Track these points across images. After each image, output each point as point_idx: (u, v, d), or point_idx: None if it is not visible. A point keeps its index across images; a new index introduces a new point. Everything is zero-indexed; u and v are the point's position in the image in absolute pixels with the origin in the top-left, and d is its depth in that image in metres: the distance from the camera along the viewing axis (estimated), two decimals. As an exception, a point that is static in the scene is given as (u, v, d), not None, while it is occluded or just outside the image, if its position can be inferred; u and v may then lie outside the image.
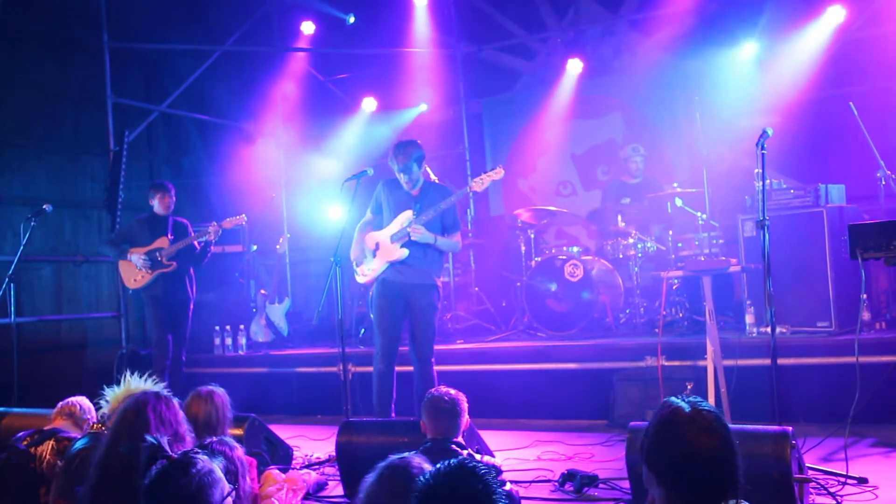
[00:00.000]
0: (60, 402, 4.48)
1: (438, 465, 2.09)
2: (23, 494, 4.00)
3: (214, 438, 3.31)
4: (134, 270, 7.14)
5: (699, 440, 2.12)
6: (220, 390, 4.22)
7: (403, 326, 5.73)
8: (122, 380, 4.20)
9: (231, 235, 8.89)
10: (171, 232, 7.18)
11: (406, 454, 2.54)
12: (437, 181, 6.26)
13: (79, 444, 3.75)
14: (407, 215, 5.58)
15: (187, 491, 2.30)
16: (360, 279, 5.84)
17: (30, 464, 4.01)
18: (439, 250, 5.69)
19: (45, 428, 4.24)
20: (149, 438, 2.46)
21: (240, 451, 3.25)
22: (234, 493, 2.49)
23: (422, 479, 2.07)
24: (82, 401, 4.47)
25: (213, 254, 7.39)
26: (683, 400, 2.21)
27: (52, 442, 4.05)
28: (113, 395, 4.05)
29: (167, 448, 2.41)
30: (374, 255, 5.70)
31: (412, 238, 5.50)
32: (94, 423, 4.26)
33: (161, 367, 6.97)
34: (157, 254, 7.09)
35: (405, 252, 5.56)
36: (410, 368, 5.79)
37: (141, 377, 4.16)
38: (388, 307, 5.63)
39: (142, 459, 2.42)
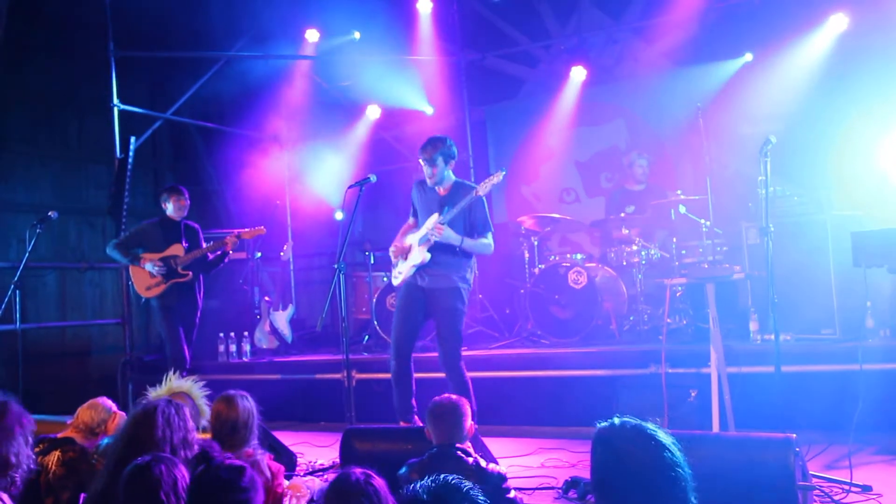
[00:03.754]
0: (81, 407, 4.45)
1: (427, 481, 2.10)
2: (27, 502, 4.00)
3: (250, 448, 3.32)
4: (147, 278, 6.92)
5: (643, 458, 2.12)
6: (249, 396, 4.23)
7: (419, 330, 5.74)
8: (165, 380, 4.26)
9: (236, 243, 8.92)
10: (184, 238, 7.00)
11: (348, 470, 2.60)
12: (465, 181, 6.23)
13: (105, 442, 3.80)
14: (434, 218, 5.57)
15: (235, 498, 2.31)
16: (395, 281, 5.87)
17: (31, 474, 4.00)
18: (466, 253, 5.62)
19: (60, 436, 4.25)
20: (201, 442, 2.49)
21: (268, 458, 3.27)
22: None
23: (410, 490, 2.09)
24: (99, 406, 4.42)
25: (224, 263, 7.28)
26: (610, 421, 2.21)
27: (58, 453, 4.05)
28: (155, 394, 4.10)
29: (217, 453, 2.42)
30: (406, 258, 5.72)
31: (432, 239, 5.48)
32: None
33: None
34: (172, 261, 6.90)
35: (427, 256, 5.55)
36: (432, 375, 5.79)
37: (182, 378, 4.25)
38: (405, 308, 5.64)
39: (189, 460, 2.42)
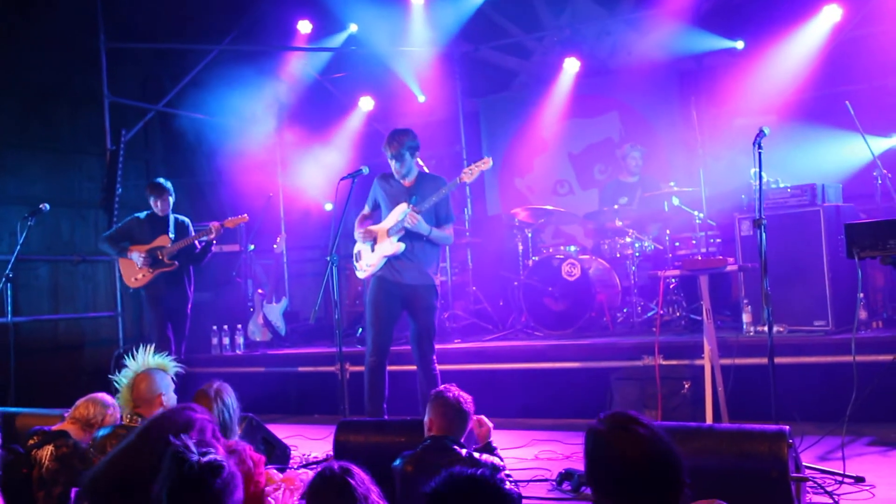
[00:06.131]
0: (80, 400, 4.42)
1: (453, 472, 2.09)
2: (18, 497, 4.00)
3: (232, 441, 3.25)
4: (134, 269, 7.08)
5: (625, 451, 2.14)
6: (227, 387, 4.18)
7: (397, 324, 5.75)
8: (140, 355, 4.18)
9: (228, 235, 8.88)
10: (172, 230, 7.13)
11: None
12: (429, 172, 6.25)
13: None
14: (402, 208, 5.58)
15: (211, 499, 2.25)
16: (360, 274, 5.83)
17: (23, 469, 4.00)
18: (434, 244, 5.68)
19: (54, 429, 4.24)
20: (175, 442, 2.38)
21: (250, 449, 3.22)
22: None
23: (434, 482, 2.08)
24: (98, 401, 4.40)
25: (211, 253, 7.36)
26: (601, 419, 2.23)
27: (51, 447, 4.04)
28: (132, 370, 4.05)
29: (195, 452, 2.33)
30: (373, 250, 5.71)
31: (407, 225, 5.46)
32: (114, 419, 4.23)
33: None
34: (158, 252, 7.03)
35: (401, 246, 5.55)
36: (405, 368, 5.80)
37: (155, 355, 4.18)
38: (384, 302, 5.61)
39: (165, 462, 2.33)
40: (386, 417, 5.55)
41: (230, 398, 4.11)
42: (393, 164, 5.61)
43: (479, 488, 2.07)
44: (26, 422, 4.89)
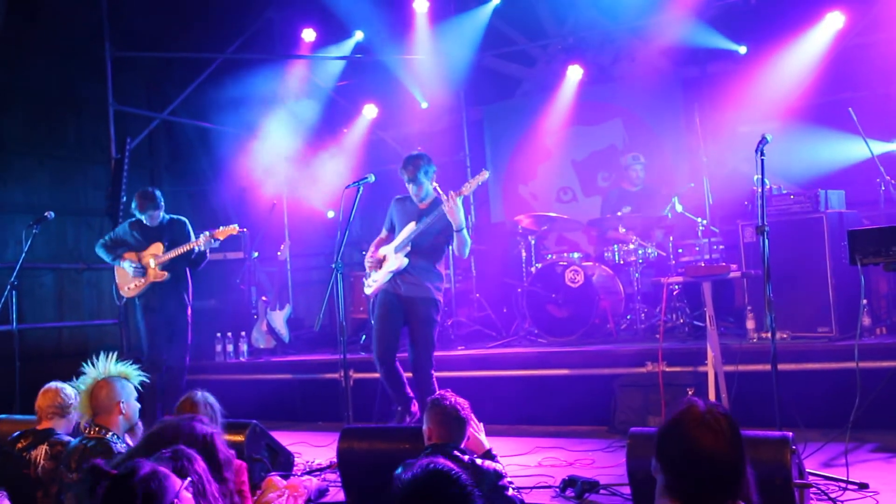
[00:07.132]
0: (42, 392, 4.38)
1: (413, 469, 2.11)
2: (18, 499, 4.01)
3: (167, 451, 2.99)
4: (128, 278, 6.95)
5: (705, 439, 2.15)
6: (202, 402, 4.13)
7: (400, 335, 5.83)
8: (98, 363, 4.13)
9: (232, 242, 8.87)
10: (166, 237, 6.93)
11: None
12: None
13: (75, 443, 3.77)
14: (411, 227, 5.71)
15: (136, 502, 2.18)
16: (367, 290, 6.00)
17: (23, 470, 4.02)
18: (439, 260, 5.80)
19: (39, 428, 4.24)
20: (92, 462, 2.31)
21: (200, 463, 2.96)
22: (192, 484, 2.38)
23: (398, 482, 2.09)
24: (49, 390, 4.37)
25: (215, 261, 7.32)
26: (702, 400, 2.25)
27: (45, 447, 4.06)
28: (90, 377, 4.02)
29: (106, 467, 2.29)
30: (380, 268, 5.86)
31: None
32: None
33: (151, 380, 6.80)
34: (151, 261, 6.90)
35: (405, 261, 5.69)
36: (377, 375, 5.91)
37: (117, 362, 4.13)
38: (386, 316, 5.75)
39: (87, 486, 2.27)
40: (413, 397, 5.68)
41: (204, 410, 4.05)
42: (410, 187, 5.75)
43: (444, 481, 2.08)
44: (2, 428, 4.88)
